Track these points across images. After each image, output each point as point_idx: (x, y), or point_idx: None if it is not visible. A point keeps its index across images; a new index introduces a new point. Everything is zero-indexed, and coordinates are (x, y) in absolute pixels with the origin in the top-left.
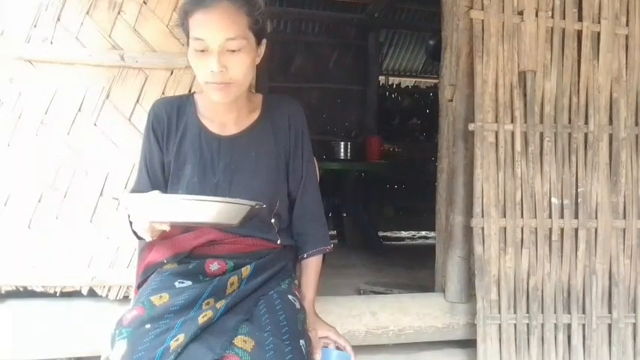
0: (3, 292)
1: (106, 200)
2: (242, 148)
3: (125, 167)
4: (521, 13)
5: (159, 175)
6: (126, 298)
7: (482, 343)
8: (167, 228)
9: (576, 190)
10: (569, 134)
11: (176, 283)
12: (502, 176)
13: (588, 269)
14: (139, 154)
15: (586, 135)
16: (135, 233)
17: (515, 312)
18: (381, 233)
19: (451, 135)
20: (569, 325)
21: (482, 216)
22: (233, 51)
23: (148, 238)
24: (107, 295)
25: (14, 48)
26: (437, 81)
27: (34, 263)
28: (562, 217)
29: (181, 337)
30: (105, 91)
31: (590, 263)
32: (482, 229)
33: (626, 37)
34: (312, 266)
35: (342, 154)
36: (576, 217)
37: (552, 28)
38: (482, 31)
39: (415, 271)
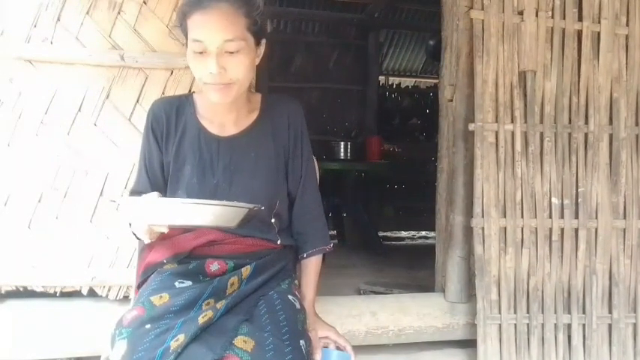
0: (3, 292)
1: (106, 200)
2: (241, 148)
3: (125, 167)
4: (521, 13)
5: (158, 175)
6: (126, 298)
7: (482, 343)
8: (165, 230)
9: (576, 190)
10: (570, 134)
11: (176, 284)
12: (502, 176)
13: (588, 269)
14: (138, 154)
15: (586, 135)
16: (134, 234)
17: (515, 312)
18: (381, 233)
19: (451, 135)
20: (569, 326)
21: (483, 216)
22: (231, 52)
23: (146, 240)
24: (107, 295)
25: (14, 48)
26: (437, 81)
27: (34, 263)
28: (562, 217)
29: (181, 338)
30: (105, 91)
31: (591, 263)
32: (483, 229)
33: (626, 37)
34: (312, 266)
35: (342, 154)
36: (576, 217)
37: (552, 28)
38: (483, 31)
39: (415, 271)
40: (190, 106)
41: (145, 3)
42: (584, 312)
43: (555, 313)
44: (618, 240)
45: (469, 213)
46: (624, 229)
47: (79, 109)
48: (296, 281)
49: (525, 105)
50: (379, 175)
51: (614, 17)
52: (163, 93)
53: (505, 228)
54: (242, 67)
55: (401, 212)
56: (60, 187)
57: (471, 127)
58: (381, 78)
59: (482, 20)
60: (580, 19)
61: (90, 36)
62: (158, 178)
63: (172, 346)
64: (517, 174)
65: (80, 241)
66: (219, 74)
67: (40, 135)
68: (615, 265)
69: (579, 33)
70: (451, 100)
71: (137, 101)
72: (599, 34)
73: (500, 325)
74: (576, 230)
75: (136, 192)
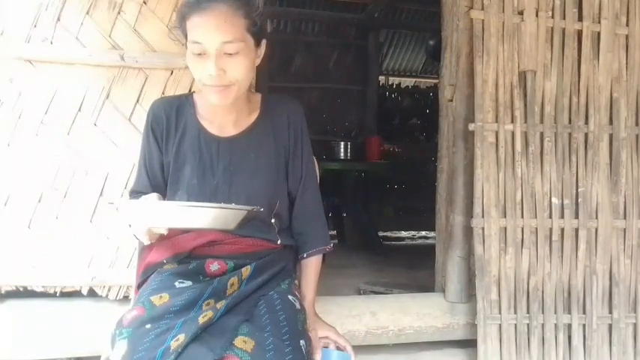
0: (3, 292)
1: (106, 200)
2: (241, 149)
3: (125, 167)
4: (521, 13)
5: (158, 175)
6: (126, 298)
7: (482, 343)
8: (165, 232)
9: (577, 190)
10: (570, 134)
11: (176, 284)
12: (502, 176)
13: (589, 269)
14: (138, 154)
15: (586, 135)
16: (134, 235)
17: (515, 312)
18: (381, 233)
19: (451, 135)
20: (569, 326)
21: (483, 216)
22: (231, 54)
23: (146, 242)
24: (107, 295)
25: (14, 48)
26: (437, 81)
27: (34, 263)
28: (562, 217)
29: (182, 337)
30: (105, 91)
31: (591, 263)
32: (483, 229)
33: (626, 37)
34: (312, 266)
35: (342, 154)
36: (577, 217)
37: (552, 28)
38: (483, 31)
39: (415, 271)
40: (190, 106)
41: (144, 3)
42: (584, 312)
43: (555, 313)
44: (618, 240)
45: (469, 213)
46: (624, 229)
47: (79, 109)
48: (296, 281)
49: (525, 105)
50: (379, 175)
51: (614, 17)
52: (163, 93)
53: (505, 228)
54: (241, 69)
55: (401, 212)
56: (60, 187)
57: (471, 127)
58: (381, 78)
59: (483, 20)
60: (580, 19)
61: (90, 36)
62: (158, 178)
63: (172, 346)
64: (517, 174)
65: (80, 241)
66: (219, 76)
67: (40, 135)
68: (615, 265)
69: (579, 33)
70: (451, 100)
71: (137, 101)
72: (599, 34)
73: (500, 325)
74: (576, 230)
75: (135, 192)
